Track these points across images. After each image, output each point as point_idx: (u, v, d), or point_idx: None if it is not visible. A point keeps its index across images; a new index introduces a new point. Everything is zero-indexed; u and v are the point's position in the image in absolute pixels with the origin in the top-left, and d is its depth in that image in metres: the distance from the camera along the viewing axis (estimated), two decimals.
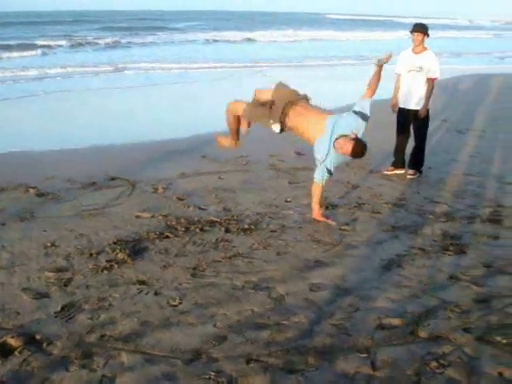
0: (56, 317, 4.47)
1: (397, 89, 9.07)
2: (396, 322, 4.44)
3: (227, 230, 6.35)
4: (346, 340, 4.19)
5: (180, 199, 7.41)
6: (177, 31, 50.51)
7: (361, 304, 4.73)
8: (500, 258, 5.74)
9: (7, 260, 5.49)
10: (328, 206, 7.23)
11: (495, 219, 6.91)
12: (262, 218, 6.80)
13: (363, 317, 4.52)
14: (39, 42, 32.78)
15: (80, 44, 34.21)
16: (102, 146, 10.42)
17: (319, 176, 6.60)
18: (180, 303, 4.71)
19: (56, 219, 6.61)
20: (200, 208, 7.09)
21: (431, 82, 8.69)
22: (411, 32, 8.79)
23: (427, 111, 8.83)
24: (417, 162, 9.05)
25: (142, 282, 5.06)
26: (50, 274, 5.17)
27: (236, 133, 7.31)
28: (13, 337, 4.11)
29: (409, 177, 8.87)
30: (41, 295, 4.80)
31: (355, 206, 7.27)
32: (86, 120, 13.19)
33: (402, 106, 8.96)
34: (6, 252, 5.67)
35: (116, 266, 5.37)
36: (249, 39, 44.76)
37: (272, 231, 6.39)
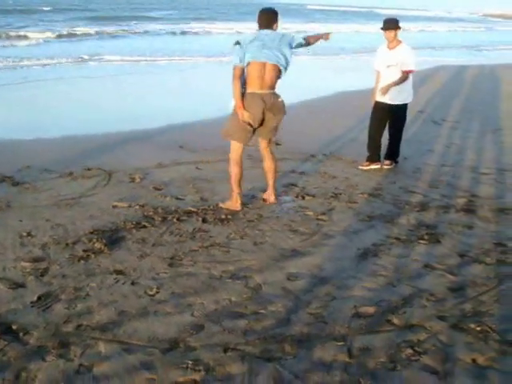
0: (32, 307, 4.45)
1: (376, 85, 8.99)
2: (372, 310, 4.49)
3: (204, 220, 6.35)
4: (322, 328, 4.22)
5: (157, 189, 7.40)
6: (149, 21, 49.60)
7: (337, 293, 4.77)
8: (474, 247, 5.81)
9: None
10: (304, 195, 7.26)
11: (469, 209, 6.99)
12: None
13: (340, 305, 4.56)
14: (13, 33, 32.30)
15: (60, 35, 33.70)
16: (78, 135, 10.32)
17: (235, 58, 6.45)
18: (157, 292, 4.71)
19: (32, 209, 6.56)
20: (177, 198, 7.08)
21: (405, 73, 8.53)
22: (382, 29, 8.61)
23: (405, 106, 8.85)
24: (393, 152, 9.05)
25: (119, 272, 5.05)
26: (26, 264, 5.14)
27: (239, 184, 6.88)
28: None
29: (385, 167, 8.88)
30: (17, 285, 4.77)
31: (332, 196, 7.30)
32: (62, 110, 13.06)
33: (378, 100, 8.85)
34: None
35: (93, 255, 5.35)
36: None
37: (249, 221, 6.41)
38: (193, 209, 6.67)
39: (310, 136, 10.80)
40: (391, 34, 8.51)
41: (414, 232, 6.19)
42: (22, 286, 4.77)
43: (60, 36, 32.12)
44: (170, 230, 6.07)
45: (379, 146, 9.01)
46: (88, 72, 19.35)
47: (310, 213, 6.69)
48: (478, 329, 4.23)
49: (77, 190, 7.25)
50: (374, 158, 8.94)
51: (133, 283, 4.86)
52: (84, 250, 5.45)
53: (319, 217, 6.58)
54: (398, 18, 8.71)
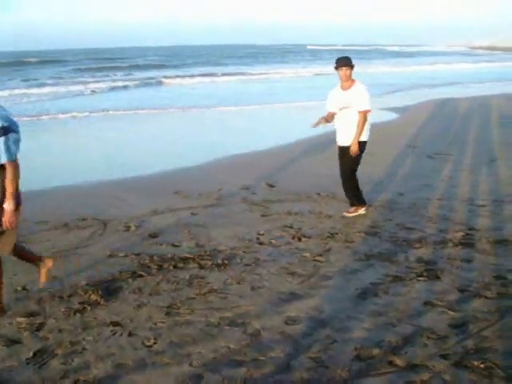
0: (28, 363, 4.39)
1: (328, 116, 8.24)
2: (373, 351, 4.42)
3: (201, 267, 6.31)
4: (323, 373, 4.15)
5: (152, 237, 7.36)
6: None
7: (337, 335, 4.70)
8: (474, 282, 5.76)
9: None
10: (301, 237, 7.22)
11: (467, 242, 6.95)
12: (235, 252, 6.78)
13: (340, 348, 4.50)
14: None
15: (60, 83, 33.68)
16: (70, 185, 10.34)
17: None
18: (155, 343, 4.65)
19: (27, 262, 6.50)
20: (173, 245, 7.05)
21: (362, 114, 7.96)
22: (336, 68, 8.08)
23: (363, 145, 8.16)
24: (351, 198, 8.48)
25: (116, 324, 4.99)
26: (22, 320, 5.09)
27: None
28: None
29: (346, 215, 8.28)
30: (12, 342, 4.72)
31: (328, 237, 7.26)
32: (52, 161, 13.12)
33: (338, 144, 8.39)
34: None
35: (89, 308, 5.29)
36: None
37: (246, 265, 6.36)
38: (189, 255, 6.63)
39: (303, 176, 10.81)
40: (347, 71, 7.99)
41: (412, 269, 6.14)
42: (17, 342, 4.72)
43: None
44: (167, 277, 6.02)
45: (354, 190, 8.39)
46: (76, 123, 19.45)
47: (307, 254, 6.65)
48: (482, 366, 4.16)
49: (72, 241, 7.22)
50: (355, 201, 8.42)
51: (130, 334, 4.80)
52: (80, 303, 5.40)
53: (316, 258, 6.54)
54: (349, 56, 8.23)
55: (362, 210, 8.35)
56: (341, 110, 8.08)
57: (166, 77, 41.73)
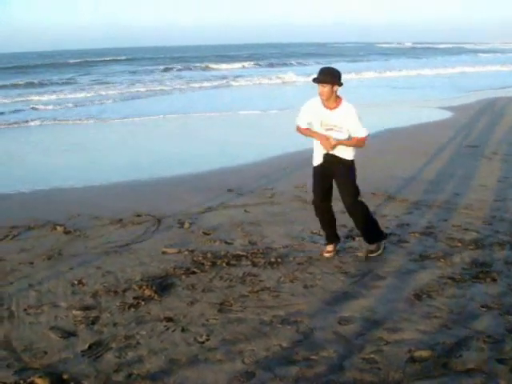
0: (83, 356, 4.47)
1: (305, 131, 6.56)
2: (427, 354, 4.36)
3: (254, 264, 6.32)
4: (376, 374, 4.11)
5: (206, 234, 7.41)
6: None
7: (391, 336, 4.65)
8: None
9: (35, 298, 5.54)
10: (354, 236, 7.16)
11: None
12: (288, 250, 6.77)
13: (393, 350, 4.44)
14: None
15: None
16: (125, 182, 10.50)
17: None
18: (207, 339, 4.68)
19: (83, 256, 6.64)
20: (226, 242, 7.08)
21: (361, 141, 6.32)
22: (314, 82, 6.21)
23: (352, 162, 6.53)
24: (366, 233, 6.75)
25: (169, 319, 5.05)
26: (78, 313, 5.19)
27: None
28: (40, 376, 4.12)
29: (370, 255, 6.65)
30: (68, 334, 4.82)
31: None
32: (109, 157, 13.35)
33: (315, 164, 6.64)
34: (33, 291, 5.72)
35: (143, 302, 5.36)
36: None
37: (299, 264, 6.35)
38: (242, 253, 6.65)
39: (357, 174, 10.66)
40: (325, 89, 6.09)
41: (468, 271, 6.03)
42: (73, 334, 4.82)
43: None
44: (220, 275, 6.05)
45: (331, 225, 6.88)
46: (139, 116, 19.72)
47: (361, 254, 6.59)
48: None
49: (126, 237, 7.31)
50: (328, 238, 6.87)
51: (183, 330, 4.84)
52: (134, 298, 5.47)
53: (370, 257, 6.47)
54: (338, 70, 6.29)
55: (329, 248, 6.77)
56: (329, 130, 6.32)
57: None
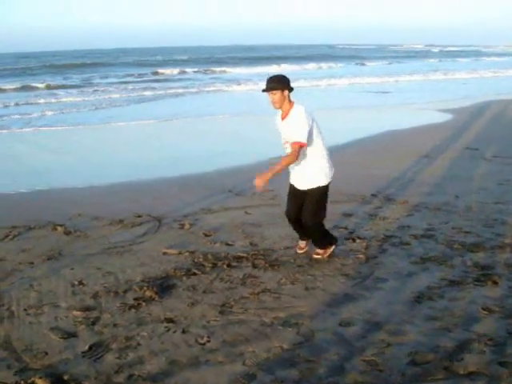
0: (84, 356, 4.46)
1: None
2: (428, 357, 4.35)
3: (254, 266, 6.31)
4: (377, 376, 4.11)
5: (207, 235, 7.40)
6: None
7: (392, 339, 4.64)
8: None
9: (35, 299, 5.54)
10: (355, 238, 7.15)
11: None
12: (289, 252, 6.76)
13: (395, 352, 4.44)
14: None
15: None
16: (126, 182, 10.49)
17: None
18: (208, 341, 4.67)
19: (83, 257, 6.64)
20: (227, 244, 7.07)
21: (294, 147, 6.03)
22: (264, 91, 6.13)
23: (325, 188, 6.38)
24: (314, 242, 6.74)
25: (170, 320, 5.04)
26: (78, 313, 5.19)
27: None
28: (41, 377, 4.12)
29: (315, 257, 6.64)
30: (69, 335, 4.82)
31: (383, 239, 7.18)
32: (109, 157, 13.36)
33: (291, 182, 6.67)
34: (34, 291, 5.72)
35: (143, 303, 5.36)
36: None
37: (299, 266, 6.34)
38: (243, 254, 6.64)
39: (359, 177, 10.71)
40: (275, 96, 6.01)
41: (469, 274, 6.02)
42: (73, 335, 4.82)
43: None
44: (221, 276, 6.04)
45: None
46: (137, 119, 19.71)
47: (362, 256, 6.59)
48: None
49: (127, 238, 7.31)
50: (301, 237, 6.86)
51: (183, 331, 4.84)
52: (135, 299, 5.47)
53: (371, 260, 6.47)
54: (285, 75, 6.22)
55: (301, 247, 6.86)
56: (286, 143, 6.31)
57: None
